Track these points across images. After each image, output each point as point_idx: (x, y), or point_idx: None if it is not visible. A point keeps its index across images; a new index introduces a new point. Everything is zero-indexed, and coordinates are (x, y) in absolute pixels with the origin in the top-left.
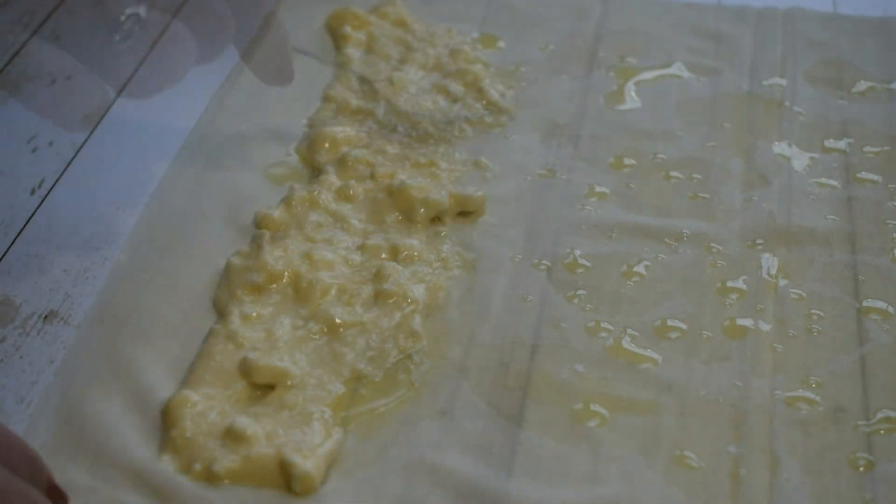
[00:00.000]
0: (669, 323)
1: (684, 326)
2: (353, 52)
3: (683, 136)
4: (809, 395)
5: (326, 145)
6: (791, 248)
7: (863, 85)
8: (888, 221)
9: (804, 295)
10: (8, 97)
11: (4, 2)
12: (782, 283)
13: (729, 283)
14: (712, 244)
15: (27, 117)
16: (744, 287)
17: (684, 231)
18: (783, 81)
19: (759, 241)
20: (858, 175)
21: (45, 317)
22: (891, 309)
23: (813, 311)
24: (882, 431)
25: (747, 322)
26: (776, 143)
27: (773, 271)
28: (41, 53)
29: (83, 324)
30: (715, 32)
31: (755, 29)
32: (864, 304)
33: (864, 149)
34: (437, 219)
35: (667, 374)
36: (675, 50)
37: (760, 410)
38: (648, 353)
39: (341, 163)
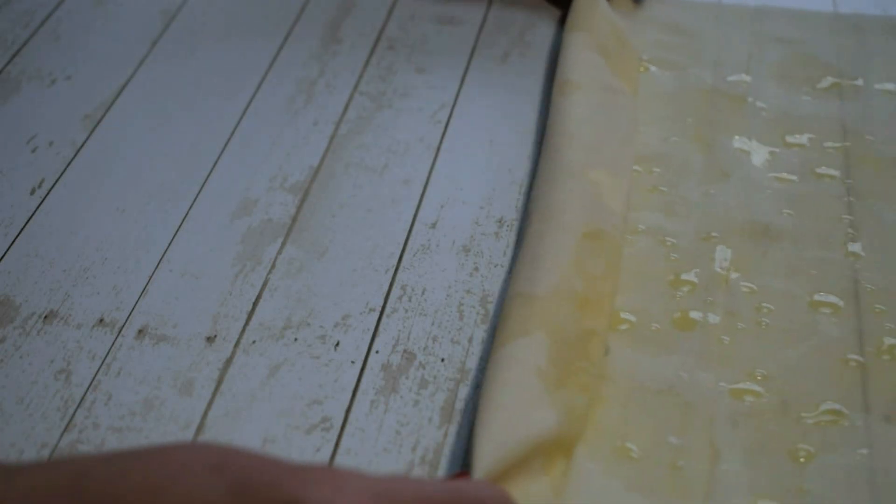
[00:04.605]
0: (621, 315)
1: (633, 319)
2: None
3: (646, 129)
4: (755, 387)
5: None
6: (745, 242)
7: (828, 81)
8: (843, 216)
9: (755, 288)
10: (8, 97)
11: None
12: (734, 276)
13: (682, 276)
14: (667, 238)
15: (27, 117)
16: (695, 280)
17: (639, 225)
18: (748, 78)
19: (713, 234)
20: (817, 170)
21: (45, 317)
22: (841, 303)
23: (763, 305)
24: (824, 423)
25: (697, 315)
26: (737, 137)
27: (726, 264)
28: (41, 53)
29: None
30: (681, 27)
31: (722, 25)
32: (815, 297)
33: (825, 144)
34: None
35: (613, 365)
36: (640, 44)
37: (704, 402)
38: None
39: None
